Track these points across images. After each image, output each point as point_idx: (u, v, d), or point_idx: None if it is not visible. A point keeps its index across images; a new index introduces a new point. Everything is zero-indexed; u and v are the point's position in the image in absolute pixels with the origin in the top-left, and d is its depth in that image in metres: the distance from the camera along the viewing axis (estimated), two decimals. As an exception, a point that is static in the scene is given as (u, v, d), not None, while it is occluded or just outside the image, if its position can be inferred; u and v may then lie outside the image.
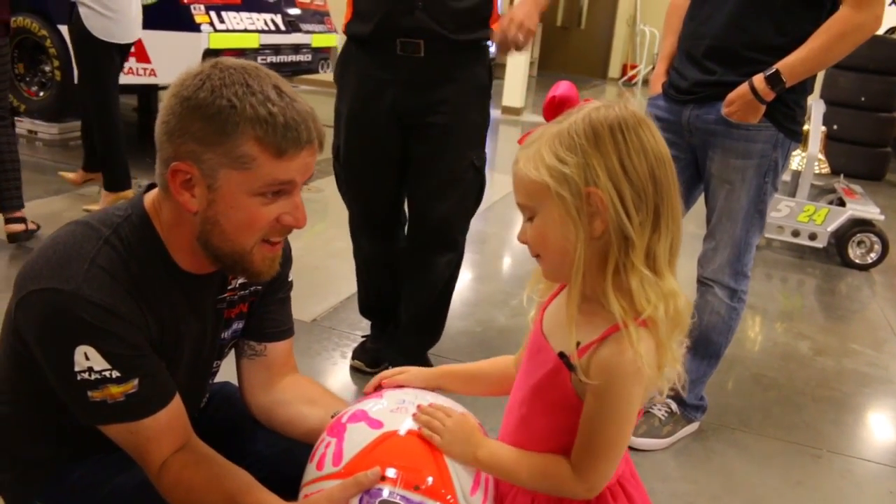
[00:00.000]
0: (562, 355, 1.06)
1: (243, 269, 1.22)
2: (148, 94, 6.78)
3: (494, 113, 9.18)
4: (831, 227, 4.54)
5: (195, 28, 4.81)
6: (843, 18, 2.01)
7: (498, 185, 5.67)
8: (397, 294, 2.61)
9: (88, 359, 1.12)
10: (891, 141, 7.18)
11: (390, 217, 2.53)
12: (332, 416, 1.24)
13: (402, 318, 2.60)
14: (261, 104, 1.11)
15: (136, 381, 1.15)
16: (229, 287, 1.34)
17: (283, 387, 1.43)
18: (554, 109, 1.06)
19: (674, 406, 2.51)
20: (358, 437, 1.13)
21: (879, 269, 4.60)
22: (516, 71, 9.17)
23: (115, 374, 1.14)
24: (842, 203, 4.72)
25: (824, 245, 4.59)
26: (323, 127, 1.19)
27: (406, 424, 1.14)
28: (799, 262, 4.68)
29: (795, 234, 4.56)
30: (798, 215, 4.52)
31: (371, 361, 2.68)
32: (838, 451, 2.59)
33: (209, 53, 4.84)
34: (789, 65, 2.05)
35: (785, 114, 2.14)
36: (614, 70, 15.11)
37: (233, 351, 1.46)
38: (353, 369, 2.72)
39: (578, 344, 1.03)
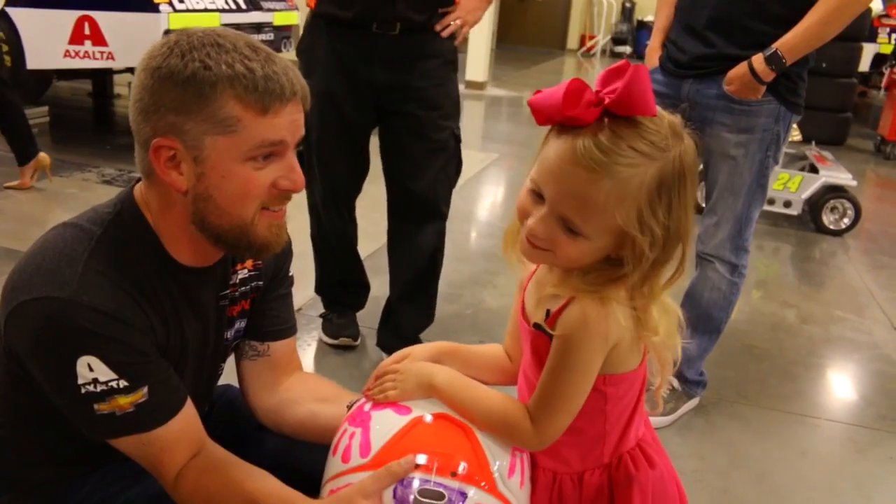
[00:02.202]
0: (536, 326, 1.05)
1: (248, 245, 1.13)
2: (103, 78, 6.57)
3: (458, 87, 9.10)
4: (805, 195, 4.57)
5: (154, 8, 4.63)
6: None
7: (469, 161, 5.61)
8: (360, 269, 2.72)
9: (92, 370, 1.04)
10: (851, 106, 7.27)
11: (354, 193, 2.59)
12: (349, 406, 1.17)
13: (392, 294, 2.62)
14: (237, 61, 1.04)
15: (145, 390, 1.08)
16: (230, 282, 1.27)
17: (290, 386, 1.36)
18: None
19: (675, 382, 2.50)
20: (385, 426, 1.06)
21: (852, 235, 4.65)
22: (479, 45, 9.09)
23: (123, 383, 1.06)
24: (814, 170, 4.76)
25: (799, 212, 4.62)
26: (305, 82, 1.11)
27: (434, 408, 1.08)
28: (774, 229, 4.71)
29: (770, 201, 4.57)
30: (773, 183, 4.53)
31: (355, 334, 2.72)
32: (836, 418, 2.61)
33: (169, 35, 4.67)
34: (788, 43, 2.02)
35: (787, 87, 2.12)
36: (572, 41, 15.10)
37: (231, 354, 1.39)
38: (340, 347, 2.69)
39: (548, 313, 1.03)
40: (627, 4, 14.39)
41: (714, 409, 2.56)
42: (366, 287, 2.79)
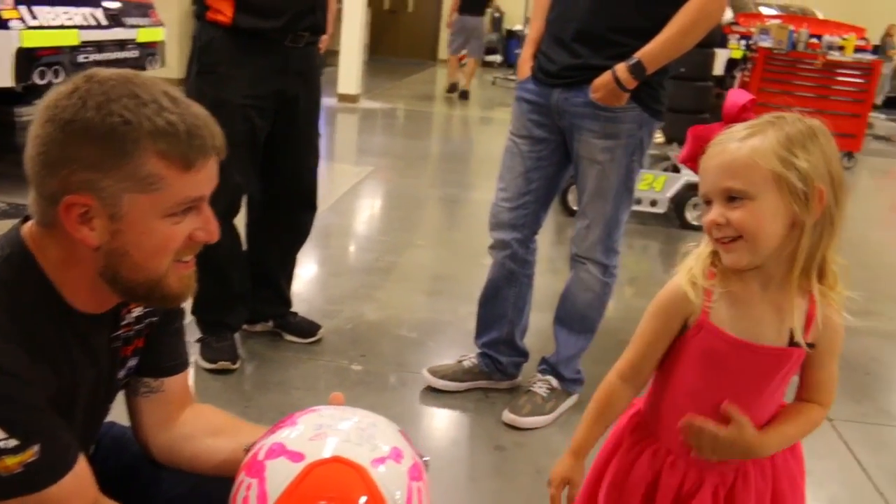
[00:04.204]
0: (796, 344, 1.23)
1: (161, 297, 1.10)
2: (-50, 100, 6.16)
3: (331, 101, 9.04)
4: (669, 193, 4.79)
5: (2, 25, 4.38)
6: (693, 7, 2.12)
7: (344, 175, 5.59)
8: (247, 278, 2.75)
9: None
10: (709, 107, 7.68)
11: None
12: (246, 450, 1.15)
13: (279, 275, 2.86)
14: (156, 114, 0.99)
15: (36, 448, 1.00)
16: (123, 322, 1.21)
17: (184, 421, 1.32)
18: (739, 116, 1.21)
19: (554, 382, 2.56)
20: (280, 475, 1.04)
21: (714, 230, 4.89)
22: (351, 58, 9.06)
23: (13, 442, 0.98)
24: (676, 170, 4.99)
25: (664, 210, 4.84)
26: (221, 131, 1.09)
27: (327, 450, 1.07)
28: (642, 227, 4.91)
29: (637, 201, 4.77)
30: (638, 184, 4.72)
31: (234, 357, 2.68)
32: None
33: (22, 53, 4.43)
34: (648, 53, 2.13)
35: (649, 94, 2.23)
36: (444, 52, 15.25)
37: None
38: (219, 371, 2.62)
39: (791, 330, 1.23)
40: (496, 15, 14.69)
41: (594, 405, 2.62)
42: (247, 301, 2.78)
